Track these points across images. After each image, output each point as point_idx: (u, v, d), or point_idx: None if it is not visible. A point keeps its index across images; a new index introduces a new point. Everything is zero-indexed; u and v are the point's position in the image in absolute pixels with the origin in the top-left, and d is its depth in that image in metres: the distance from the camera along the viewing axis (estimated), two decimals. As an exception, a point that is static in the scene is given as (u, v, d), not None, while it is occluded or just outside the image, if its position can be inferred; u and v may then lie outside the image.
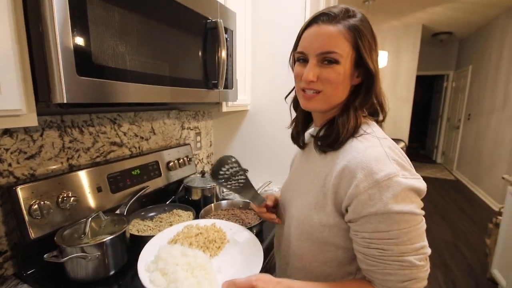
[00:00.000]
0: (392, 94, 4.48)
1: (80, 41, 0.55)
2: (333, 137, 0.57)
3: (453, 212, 3.42)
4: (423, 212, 0.49)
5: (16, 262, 0.77)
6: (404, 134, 4.55)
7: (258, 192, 0.73)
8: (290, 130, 0.76)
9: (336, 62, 0.54)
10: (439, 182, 4.66)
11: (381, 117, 0.62)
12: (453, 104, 5.47)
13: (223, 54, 0.99)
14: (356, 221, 0.50)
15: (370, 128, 0.57)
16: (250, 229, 0.96)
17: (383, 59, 3.49)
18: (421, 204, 0.49)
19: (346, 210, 0.52)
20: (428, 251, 0.49)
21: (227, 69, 1.06)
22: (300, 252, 0.62)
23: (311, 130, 0.71)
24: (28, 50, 0.53)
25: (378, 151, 0.50)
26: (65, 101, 0.53)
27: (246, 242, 0.73)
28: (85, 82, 0.57)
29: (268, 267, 0.96)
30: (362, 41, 0.54)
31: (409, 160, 0.53)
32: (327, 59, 0.54)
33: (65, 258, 0.67)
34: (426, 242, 0.49)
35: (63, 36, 0.52)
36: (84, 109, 0.89)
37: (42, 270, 0.77)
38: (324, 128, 0.62)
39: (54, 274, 0.76)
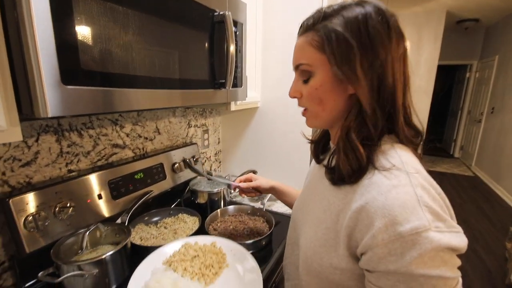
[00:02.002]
0: (411, 85, 4.26)
1: (65, 43, 0.48)
2: (338, 171, 0.48)
3: (470, 211, 3.28)
4: (458, 274, 0.38)
5: (15, 273, 0.74)
6: (422, 126, 4.35)
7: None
8: (303, 129, 0.68)
9: (310, 75, 0.49)
10: (456, 178, 4.47)
11: (419, 138, 0.50)
12: (475, 96, 5.17)
13: (232, 49, 0.90)
14: (371, 272, 0.42)
15: (398, 157, 0.44)
16: (260, 241, 0.90)
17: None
18: (457, 262, 0.38)
19: (361, 255, 0.43)
20: None
21: (236, 66, 0.98)
22: (307, 286, 0.54)
23: (329, 147, 0.61)
24: (8, 56, 0.46)
25: (406, 193, 0.39)
26: (48, 116, 0.47)
27: (246, 271, 0.67)
28: (73, 92, 0.50)
29: (278, 281, 0.91)
30: (331, 41, 0.44)
31: (447, 202, 0.42)
32: (302, 72, 0.51)
33: (60, 278, 0.63)
34: None
35: (43, 38, 0.44)
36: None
37: (41, 282, 0.74)
38: (335, 154, 0.51)
39: (55, 286, 0.72)
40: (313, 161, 0.66)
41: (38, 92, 0.45)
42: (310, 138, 0.67)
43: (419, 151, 0.52)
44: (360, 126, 0.46)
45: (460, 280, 0.39)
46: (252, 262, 0.69)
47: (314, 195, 0.58)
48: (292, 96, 0.54)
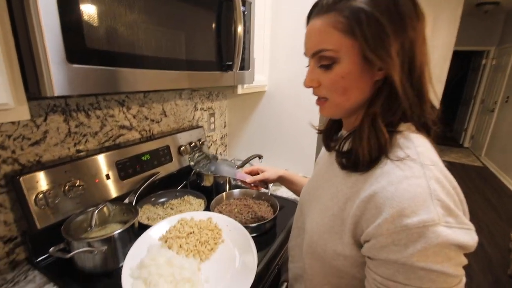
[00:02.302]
0: (422, 72, 4.13)
1: (69, 20, 0.47)
2: (354, 157, 0.46)
3: (476, 202, 3.25)
4: (461, 273, 0.37)
5: (27, 248, 0.77)
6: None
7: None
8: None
9: (334, 61, 0.44)
10: (464, 168, 4.41)
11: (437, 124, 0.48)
12: (490, 84, 4.99)
13: (240, 30, 0.87)
14: (371, 259, 0.41)
15: (413, 147, 0.42)
16: (264, 224, 0.92)
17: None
18: (463, 261, 0.37)
19: (365, 242, 0.43)
20: None
21: (243, 48, 0.95)
22: (311, 271, 0.55)
23: (341, 133, 0.59)
24: (13, 34, 0.46)
25: (418, 185, 0.38)
26: (55, 94, 0.46)
27: (241, 245, 0.68)
28: (79, 71, 0.49)
29: (281, 263, 0.92)
30: (362, 23, 0.40)
31: (462, 197, 0.41)
32: (323, 59, 0.45)
33: (70, 254, 0.65)
34: None
35: (47, 15, 0.44)
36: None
37: (52, 257, 0.77)
38: (349, 139, 0.50)
39: (65, 261, 0.75)
40: (323, 148, 0.65)
41: (43, 70, 0.45)
42: (318, 128, 0.65)
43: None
44: (385, 112, 0.44)
45: (464, 279, 0.38)
46: (246, 236, 0.69)
47: (322, 182, 0.58)
48: (308, 86, 0.50)
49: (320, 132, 0.64)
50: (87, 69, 0.51)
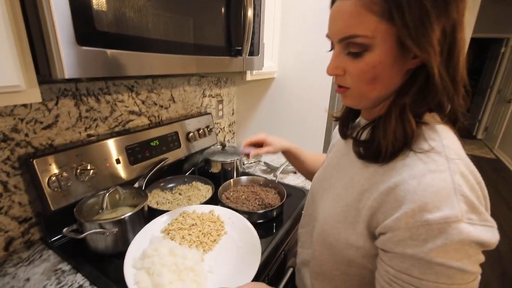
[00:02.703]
0: (437, 60, 3.98)
1: (79, 2, 0.46)
2: (375, 148, 0.43)
3: (488, 195, 3.19)
4: (478, 271, 0.36)
5: (41, 228, 0.80)
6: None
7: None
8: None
9: (365, 48, 0.39)
10: (477, 160, 4.13)
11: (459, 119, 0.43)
12: (508, 74, 4.79)
13: (250, 14, 0.85)
14: (385, 251, 0.40)
15: (439, 140, 0.40)
16: (271, 211, 0.92)
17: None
18: (481, 258, 0.36)
19: (380, 235, 0.41)
20: None
21: (253, 32, 0.93)
22: (321, 258, 0.55)
23: (358, 121, 0.57)
24: (23, 16, 0.45)
25: (442, 179, 0.36)
26: (66, 77, 0.46)
27: (244, 237, 0.67)
28: (88, 53, 0.49)
29: (287, 249, 0.93)
30: (402, 6, 0.35)
31: (486, 192, 0.39)
32: (352, 46, 0.40)
33: (83, 235, 0.67)
34: None
35: (57, -2, 0.43)
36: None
37: (66, 238, 0.79)
38: (368, 128, 0.48)
39: (78, 241, 0.78)
40: (337, 135, 0.63)
41: (54, 52, 0.45)
42: (341, 113, 0.62)
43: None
44: (416, 103, 0.41)
45: (479, 277, 0.37)
46: (249, 229, 0.69)
47: (336, 171, 0.56)
48: (332, 73, 0.45)
49: (336, 119, 0.62)
50: (97, 51, 0.51)
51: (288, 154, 0.87)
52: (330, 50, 0.46)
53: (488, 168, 4.05)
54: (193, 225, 0.71)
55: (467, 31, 3.56)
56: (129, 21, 0.55)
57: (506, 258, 2.14)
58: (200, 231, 0.69)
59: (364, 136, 0.49)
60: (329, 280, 0.54)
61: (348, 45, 0.41)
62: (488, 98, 5.28)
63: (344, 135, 0.58)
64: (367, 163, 0.46)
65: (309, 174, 0.87)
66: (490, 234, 0.35)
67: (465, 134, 5.71)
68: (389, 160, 0.42)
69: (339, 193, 0.51)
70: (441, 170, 0.37)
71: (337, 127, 0.64)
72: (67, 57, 0.46)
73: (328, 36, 0.45)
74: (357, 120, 0.57)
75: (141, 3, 0.57)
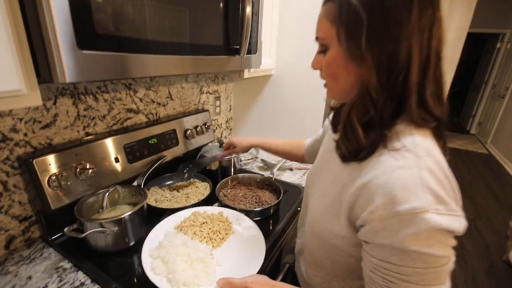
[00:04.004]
0: (433, 55, 4.00)
1: (78, 6, 0.46)
2: (352, 147, 0.47)
3: (478, 189, 3.27)
4: (450, 253, 0.39)
5: (41, 226, 0.80)
6: (442, 109, 4.17)
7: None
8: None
9: (326, 48, 0.48)
10: (469, 155, 4.39)
11: (433, 122, 0.46)
12: (503, 69, 4.84)
13: (248, 11, 0.84)
14: (367, 243, 0.44)
15: (411, 139, 0.43)
16: (268, 209, 0.94)
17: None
18: (452, 243, 0.39)
19: (360, 227, 0.45)
20: None
21: (251, 31, 0.93)
22: (311, 247, 0.59)
23: None
24: (24, 20, 0.45)
25: (410, 174, 0.39)
26: (67, 81, 0.47)
27: (250, 237, 0.72)
28: (89, 57, 0.49)
29: (283, 246, 0.96)
30: (342, 15, 0.43)
31: (455, 185, 0.42)
32: (320, 45, 0.50)
33: (84, 234, 0.69)
34: (447, 285, 0.41)
35: (57, 2, 0.43)
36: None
37: (65, 235, 0.80)
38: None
39: (78, 239, 0.79)
40: (329, 130, 0.66)
41: (55, 57, 0.45)
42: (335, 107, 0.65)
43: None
44: (366, 108, 0.44)
45: (453, 258, 0.41)
46: (256, 230, 0.73)
47: (325, 166, 0.61)
48: (313, 67, 0.53)
49: (331, 108, 0.65)
50: (97, 55, 0.51)
51: (260, 148, 0.98)
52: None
53: (479, 163, 4.13)
54: (203, 223, 0.75)
55: (463, 25, 3.55)
56: (128, 23, 0.55)
57: (494, 252, 2.22)
58: (210, 228, 0.73)
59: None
60: (321, 267, 0.58)
61: (319, 45, 0.50)
62: (482, 93, 5.34)
63: (334, 127, 0.61)
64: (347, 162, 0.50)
65: (294, 158, 0.98)
66: (457, 223, 0.38)
67: (459, 129, 5.79)
68: (365, 158, 0.45)
69: (326, 187, 0.55)
70: (409, 166, 0.40)
71: (327, 119, 0.68)
72: (68, 61, 0.46)
73: None
74: None
75: (140, 4, 0.56)
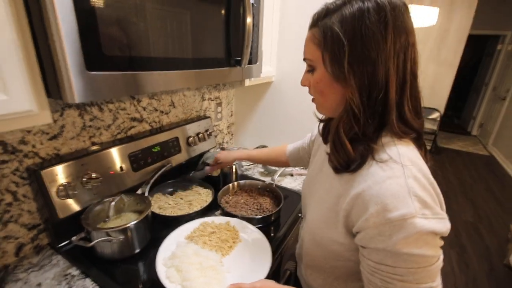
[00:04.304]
0: (435, 57, 4.01)
1: (87, 28, 0.48)
2: (343, 160, 0.51)
3: (479, 192, 3.28)
4: (438, 253, 0.44)
5: (49, 234, 0.83)
6: (441, 102, 4.18)
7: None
8: None
9: (313, 68, 0.53)
10: (470, 157, 4.39)
11: (412, 133, 0.50)
12: (504, 71, 4.84)
13: (249, 22, 0.87)
14: (364, 247, 0.48)
15: (396, 150, 0.48)
16: (269, 216, 0.96)
17: (432, 16, 3.03)
18: (439, 243, 0.44)
19: (356, 233, 0.49)
20: None
21: (252, 41, 0.95)
22: (312, 253, 0.62)
23: None
24: (33, 43, 0.48)
25: (398, 183, 0.43)
26: (76, 102, 0.49)
27: (257, 244, 0.76)
28: (98, 77, 0.52)
29: (284, 252, 0.98)
30: (326, 41, 0.48)
31: (438, 191, 0.46)
32: (307, 65, 0.55)
33: (91, 243, 0.71)
34: (436, 283, 0.45)
35: (66, 23, 0.45)
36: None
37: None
38: None
39: (85, 247, 0.81)
40: (320, 140, 0.69)
41: (65, 79, 0.48)
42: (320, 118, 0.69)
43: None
44: (351, 123, 0.49)
45: (441, 257, 0.45)
46: (262, 238, 0.76)
47: (319, 176, 0.64)
48: (302, 84, 0.58)
49: (320, 120, 0.69)
50: (104, 75, 0.53)
51: (247, 160, 1.06)
52: None
53: (481, 165, 4.13)
54: (212, 232, 0.78)
55: (464, 26, 3.56)
56: (134, 42, 0.58)
57: (495, 254, 2.22)
58: (218, 237, 0.77)
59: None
60: (322, 272, 0.62)
61: (307, 65, 0.55)
62: (483, 95, 5.33)
63: (325, 139, 0.65)
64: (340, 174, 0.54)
65: (280, 164, 1.05)
66: (442, 225, 0.43)
67: (460, 130, 5.78)
68: (356, 170, 0.49)
69: (321, 196, 0.59)
70: (397, 176, 0.44)
71: (315, 129, 0.74)
72: (77, 83, 0.49)
73: None
74: None
75: (144, 24, 0.59)
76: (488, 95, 5.21)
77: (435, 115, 4.20)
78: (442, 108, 4.20)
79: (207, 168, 1.13)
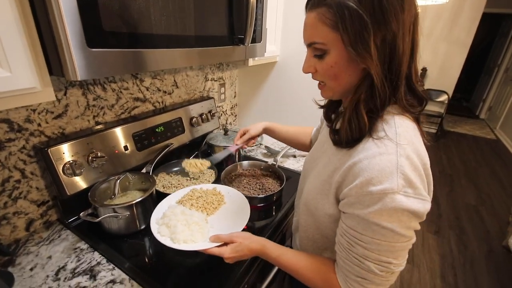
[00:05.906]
0: (446, 36, 3.86)
1: (86, 4, 0.47)
2: (340, 136, 0.53)
3: (483, 175, 3.27)
4: (409, 234, 0.46)
5: (58, 210, 0.86)
6: (451, 84, 4.08)
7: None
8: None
9: (324, 52, 0.49)
10: (476, 141, 4.34)
11: (417, 109, 0.51)
12: (518, 52, 4.66)
13: (252, 1, 0.84)
14: (343, 212, 0.51)
15: (394, 128, 0.48)
16: (271, 196, 0.98)
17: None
18: (414, 226, 0.45)
19: (341, 200, 0.52)
20: (396, 268, 0.48)
21: (255, 19, 0.92)
22: (305, 224, 0.66)
23: (341, 108, 0.64)
24: (34, 20, 0.47)
25: (388, 160, 0.44)
26: (78, 79, 0.49)
27: (239, 204, 0.82)
28: (99, 54, 0.51)
29: (285, 230, 1.01)
30: (345, 19, 0.44)
31: (429, 172, 0.47)
32: (315, 50, 0.51)
33: (98, 219, 0.74)
34: (399, 261, 0.47)
35: (66, 2, 0.44)
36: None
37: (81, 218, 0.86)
38: (340, 118, 0.56)
39: (93, 222, 0.84)
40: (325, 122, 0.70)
41: (66, 56, 0.47)
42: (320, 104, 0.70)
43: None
44: (369, 99, 0.49)
45: (412, 240, 0.47)
46: (243, 200, 0.83)
47: (320, 151, 0.66)
48: (306, 72, 0.56)
49: (321, 107, 0.70)
50: (106, 52, 0.53)
51: (269, 132, 0.99)
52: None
53: (487, 148, 4.09)
54: (199, 197, 0.84)
55: (478, 4, 3.39)
56: (134, 18, 0.56)
57: (495, 237, 2.25)
58: (204, 200, 0.83)
59: (338, 125, 0.56)
60: (313, 242, 0.66)
61: (314, 49, 0.51)
62: (494, 76, 5.17)
63: (329, 120, 0.65)
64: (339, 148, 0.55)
65: (297, 145, 1.00)
66: (421, 205, 0.44)
67: (468, 114, 5.67)
68: (352, 146, 0.51)
69: (320, 170, 0.61)
70: (389, 153, 0.45)
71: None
72: (79, 60, 0.48)
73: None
74: (340, 107, 0.64)
75: (144, 2, 0.57)
76: (500, 78, 5.05)
77: (443, 97, 4.11)
78: (451, 90, 4.10)
79: (236, 147, 0.97)
